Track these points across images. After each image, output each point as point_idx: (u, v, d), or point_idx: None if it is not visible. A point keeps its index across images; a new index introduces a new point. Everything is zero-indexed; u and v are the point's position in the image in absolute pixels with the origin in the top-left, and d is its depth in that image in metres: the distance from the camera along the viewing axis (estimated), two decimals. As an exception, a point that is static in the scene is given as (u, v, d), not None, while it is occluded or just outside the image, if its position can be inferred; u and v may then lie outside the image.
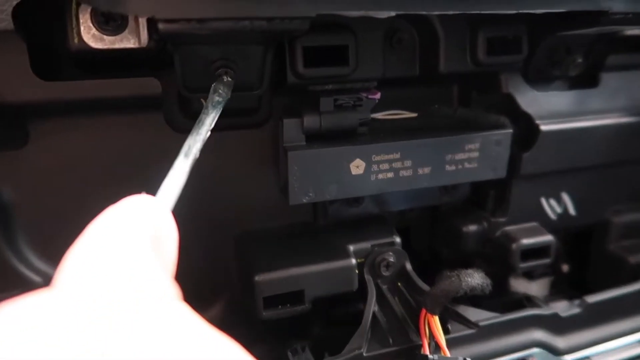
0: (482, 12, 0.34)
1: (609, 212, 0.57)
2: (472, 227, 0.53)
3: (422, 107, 0.49)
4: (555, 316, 0.46)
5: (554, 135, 0.50)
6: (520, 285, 0.60)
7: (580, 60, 0.48)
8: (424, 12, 0.34)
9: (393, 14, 0.33)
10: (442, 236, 0.56)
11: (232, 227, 0.48)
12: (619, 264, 0.56)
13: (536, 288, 0.59)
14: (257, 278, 0.42)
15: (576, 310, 0.47)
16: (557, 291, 0.61)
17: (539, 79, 0.50)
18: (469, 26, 0.45)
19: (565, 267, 0.61)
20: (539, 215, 0.54)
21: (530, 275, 0.60)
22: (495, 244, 0.52)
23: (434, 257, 0.58)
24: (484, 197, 0.54)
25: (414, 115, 0.47)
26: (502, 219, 0.53)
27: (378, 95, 0.45)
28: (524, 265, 0.51)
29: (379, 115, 0.46)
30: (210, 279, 0.48)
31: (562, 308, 0.47)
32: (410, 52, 0.47)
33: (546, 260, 0.52)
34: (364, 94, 0.44)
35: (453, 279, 0.39)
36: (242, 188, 0.47)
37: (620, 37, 0.50)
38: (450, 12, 0.33)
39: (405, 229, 0.57)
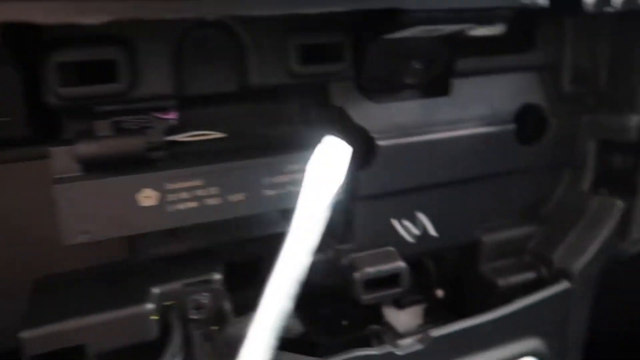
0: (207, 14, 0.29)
1: (478, 230, 0.52)
2: (316, 257, 0.47)
3: (250, 126, 0.44)
4: (389, 356, 0.41)
5: (395, 150, 0.45)
6: (390, 315, 0.55)
7: (418, 66, 0.43)
8: (141, 17, 0.28)
9: (105, 19, 0.27)
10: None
11: (35, 271, 0.42)
12: (489, 287, 0.51)
13: (406, 317, 0.54)
14: (21, 335, 0.36)
15: (418, 347, 0.42)
16: (435, 319, 0.56)
17: (381, 89, 0.45)
18: (281, 33, 0.39)
19: (440, 293, 0.56)
20: (394, 239, 0.49)
21: (398, 303, 0.54)
22: (340, 274, 0.47)
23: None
24: (332, 221, 0.49)
25: (222, 135, 0.41)
26: (348, 246, 0.47)
27: (173, 115, 0.39)
28: (369, 296, 0.45)
29: (180, 138, 0.40)
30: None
31: (404, 345, 0.42)
32: (223, 64, 0.41)
33: (397, 290, 0.47)
34: (157, 114, 0.39)
35: (237, 325, 0.34)
36: (42, 225, 0.41)
37: (468, 39, 0.45)
38: (168, 17, 0.27)
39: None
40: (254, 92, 0.41)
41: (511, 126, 0.48)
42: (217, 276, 0.43)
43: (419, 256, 0.54)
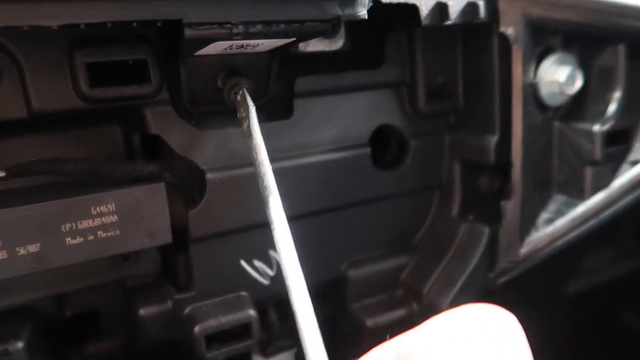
0: None
1: (344, 265, 0.47)
2: (153, 309, 0.41)
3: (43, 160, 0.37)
4: None
5: (229, 184, 0.39)
6: (256, 365, 0.49)
7: (247, 86, 0.38)
8: None
9: None
10: (130, 322, 0.43)
11: None
12: (359, 327, 0.46)
13: (273, 367, 0.48)
14: None
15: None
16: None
17: (208, 113, 0.39)
18: (63, 49, 0.33)
19: (312, 335, 0.51)
20: (245, 282, 0.43)
21: (265, 351, 0.49)
22: (179, 328, 0.41)
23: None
24: (173, 266, 0.43)
25: (0, 174, 0.34)
26: (189, 294, 0.41)
27: None
28: (213, 353, 0.39)
29: (-55, 180, 0.33)
30: None
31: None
32: (5, 88, 0.34)
33: (248, 342, 0.41)
34: None
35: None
36: None
37: (308, 55, 0.41)
38: None
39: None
40: (49, 119, 0.35)
41: (366, 150, 0.44)
42: (18, 345, 0.36)
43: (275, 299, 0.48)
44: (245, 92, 0.37)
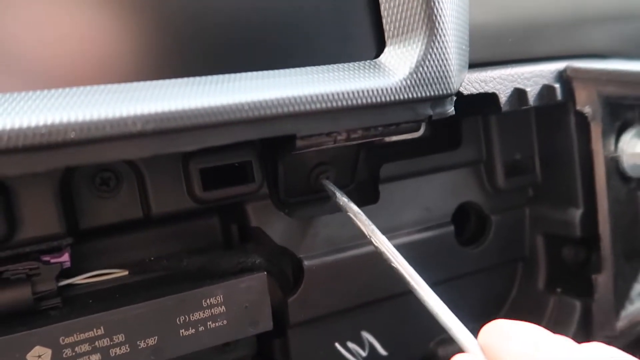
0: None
1: (433, 343, 0.47)
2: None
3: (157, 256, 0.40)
4: None
5: (324, 270, 0.41)
6: None
7: (330, 172, 0.40)
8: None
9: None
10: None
11: None
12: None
13: None
14: None
15: None
16: None
17: (301, 203, 0.42)
18: (181, 157, 0.37)
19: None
20: (340, 364, 0.44)
21: None
22: (280, 414, 0.42)
23: None
24: (270, 350, 0.44)
25: (123, 273, 0.37)
26: (285, 379, 0.42)
27: (66, 257, 0.35)
28: None
29: (76, 280, 0.36)
30: None
31: None
32: (125, 193, 0.38)
33: None
34: (46, 257, 0.35)
35: None
36: None
37: (390, 143, 0.44)
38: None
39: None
40: (159, 217, 0.38)
41: (449, 228, 0.45)
42: None
43: None
44: (328, 179, 0.40)
